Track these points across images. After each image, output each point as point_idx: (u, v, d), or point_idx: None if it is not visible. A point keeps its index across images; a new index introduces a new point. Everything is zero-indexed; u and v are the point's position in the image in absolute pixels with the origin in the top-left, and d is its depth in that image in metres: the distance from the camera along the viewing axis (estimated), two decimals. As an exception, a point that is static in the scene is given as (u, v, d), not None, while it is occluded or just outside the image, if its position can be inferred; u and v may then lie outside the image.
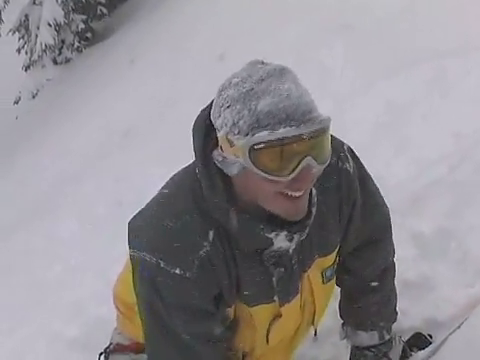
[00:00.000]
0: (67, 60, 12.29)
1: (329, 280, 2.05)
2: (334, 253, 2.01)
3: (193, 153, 1.74)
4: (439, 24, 4.26)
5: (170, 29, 8.86)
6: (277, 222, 1.71)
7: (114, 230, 4.50)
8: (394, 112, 3.76)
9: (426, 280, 2.58)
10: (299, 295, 1.96)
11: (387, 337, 2.30)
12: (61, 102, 10.37)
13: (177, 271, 1.72)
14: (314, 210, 1.76)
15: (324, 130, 1.59)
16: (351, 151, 1.98)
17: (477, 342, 2.13)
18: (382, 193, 2.88)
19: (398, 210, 2.88)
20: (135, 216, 1.86)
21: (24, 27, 11.95)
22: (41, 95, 12.02)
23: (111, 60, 10.24)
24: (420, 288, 2.58)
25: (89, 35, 12.33)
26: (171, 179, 1.88)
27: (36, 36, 11.51)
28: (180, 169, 1.90)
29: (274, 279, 1.86)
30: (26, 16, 11.77)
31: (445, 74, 3.77)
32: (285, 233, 1.72)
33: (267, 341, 2.02)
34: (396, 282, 2.46)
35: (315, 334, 2.27)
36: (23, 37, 12.17)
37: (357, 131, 3.73)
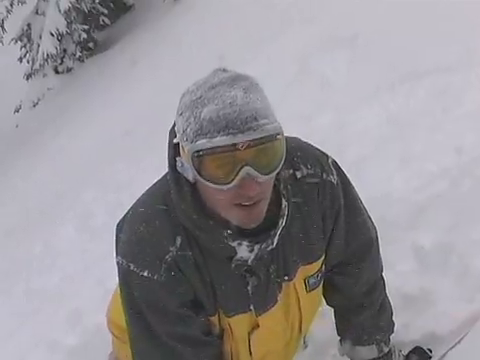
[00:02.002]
0: (68, 69, 12.35)
1: (313, 289, 2.03)
2: (318, 262, 1.99)
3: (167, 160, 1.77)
4: (443, 38, 4.27)
5: (172, 39, 8.90)
6: (241, 231, 1.72)
7: (113, 239, 4.50)
8: (396, 125, 3.76)
9: (426, 294, 2.56)
10: (277, 305, 1.95)
11: (386, 349, 2.29)
12: (62, 111, 10.40)
13: (145, 274, 1.76)
14: (282, 222, 1.75)
15: (266, 139, 1.53)
16: (336, 164, 1.97)
17: (477, 357, 2.13)
18: (383, 206, 2.88)
19: (399, 223, 2.89)
20: (119, 221, 1.90)
21: (26, 36, 12.02)
22: (42, 104, 12.06)
23: (112, 70, 10.27)
24: (420, 302, 2.55)
25: (91, 45, 12.39)
26: (150, 186, 1.91)
27: (38, 45, 11.57)
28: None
29: (249, 288, 1.85)
30: (29, 25, 11.83)
31: (448, 88, 3.78)
32: (246, 243, 1.72)
33: (250, 353, 2.02)
34: (397, 296, 2.46)
35: (304, 342, 2.27)
36: (25, 46, 12.24)
37: (359, 144, 3.73)
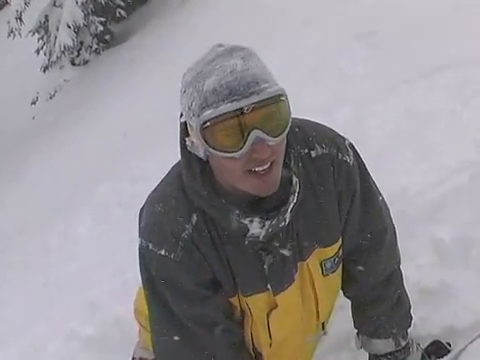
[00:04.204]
0: (85, 62, 12.37)
1: (329, 272, 2.03)
2: (335, 246, 1.99)
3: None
4: (462, 32, 4.25)
5: (188, 31, 8.90)
6: (253, 208, 1.74)
7: (130, 230, 4.51)
8: (415, 119, 3.75)
9: (446, 288, 2.55)
10: (294, 284, 1.95)
11: (403, 343, 2.28)
12: (78, 103, 10.42)
13: (162, 252, 1.79)
14: (292, 198, 1.76)
15: (271, 101, 1.57)
16: (353, 147, 1.97)
17: (496, 351, 2.13)
18: (403, 200, 2.87)
19: (419, 217, 2.88)
20: (141, 206, 1.93)
21: (44, 28, 12.05)
22: (58, 96, 12.09)
23: (128, 62, 10.28)
24: (440, 296, 2.55)
25: (107, 37, 12.40)
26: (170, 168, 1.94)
27: (55, 37, 11.60)
28: None
29: (265, 266, 1.86)
30: (46, 17, 11.85)
31: (467, 82, 3.76)
32: (258, 219, 1.73)
33: (270, 336, 2.03)
34: (415, 289, 2.45)
35: (323, 328, 2.24)
36: (42, 38, 12.27)
37: (377, 138, 3.72)
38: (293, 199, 1.77)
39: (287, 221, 1.78)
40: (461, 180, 3.00)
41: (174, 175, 1.84)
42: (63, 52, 11.56)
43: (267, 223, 1.74)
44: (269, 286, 1.90)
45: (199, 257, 1.81)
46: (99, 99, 9.65)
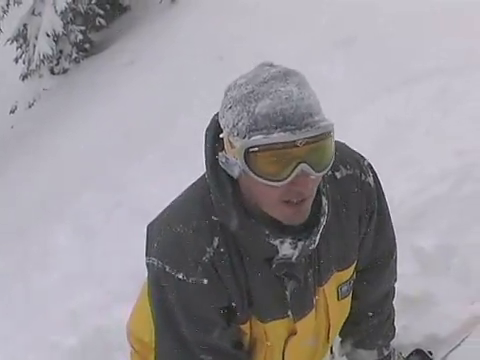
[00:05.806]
0: (64, 70, 12.28)
1: (344, 296, 2.00)
2: (351, 268, 1.97)
3: (203, 156, 1.72)
4: (442, 41, 4.28)
5: (169, 39, 8.89)
6: (283, 228, 1.68)
7: (112, 240, 4.50)
8: (395, 128, 3.76)
9: (428, 296, 2.58)
10: (313, 310, 1.91)
11: (386, 353, 2.30)
12: (57, 112, 10.37)
13: (180, 276, 1.70)
14: (323, 219, 1.72)
15: (323, 136, 1.52)
16: (371, 167, 1.94)
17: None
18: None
19: (400, 226, 2.85)
20: (151, 222, 1.84)
21: (22, 37, 11.95)
22: (37, 105, 12.01)
23: (108, 71, 10.26)
24: (421, 304, 2.57)
25: (87, 46, 12.34)
26: (188, 186, 1.85)
27: (34, 46, 11.51)
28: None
29: (287, 292, 1.81)
30: (25, 26, 11.77)
31: (448, 91, 3.78)
32: (290, 240, 1.68)
33: None
34: (398, 298, 2.46)
35: (331, 352, 2.24)
36: (21, 47, 12.17)
37: (357, 147, 3.72)
38: (323, 220, 1.72)
39: (316, 243, 1.73)
40: (442, 188, 3.02)
41: (196, 195, 1.77)
42: (42, 61, 11.46)
43: (300, 244, 1.69)
44: (290, 312, 1.85)
45: (218, 282, 1.72)
46: (79, 107, 9.59)
